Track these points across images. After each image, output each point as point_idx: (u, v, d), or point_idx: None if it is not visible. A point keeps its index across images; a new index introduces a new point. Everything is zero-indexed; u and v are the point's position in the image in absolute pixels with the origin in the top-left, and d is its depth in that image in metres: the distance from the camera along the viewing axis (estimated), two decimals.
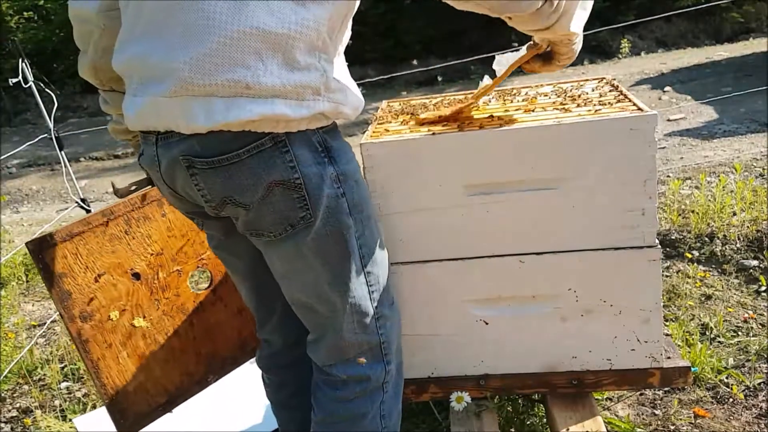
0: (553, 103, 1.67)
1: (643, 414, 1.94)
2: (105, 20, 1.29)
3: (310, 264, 1.24)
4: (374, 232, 1.32)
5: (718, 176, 3.60)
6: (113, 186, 1.62)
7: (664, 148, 4.57)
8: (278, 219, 1.18)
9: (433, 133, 1.52)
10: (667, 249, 2.88)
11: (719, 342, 2.23)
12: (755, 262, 2.69)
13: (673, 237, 2.96)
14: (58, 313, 1.56)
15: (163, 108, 1.11)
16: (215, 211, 1.22)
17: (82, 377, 2.52)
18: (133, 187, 1.62)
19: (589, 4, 1.33)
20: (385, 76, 4.45)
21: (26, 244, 1.50)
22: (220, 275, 1.80)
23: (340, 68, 1.21)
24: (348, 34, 1.22)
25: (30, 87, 2.63)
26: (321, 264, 1.24)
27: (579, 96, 1.70)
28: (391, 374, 1.39)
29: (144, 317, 1.67)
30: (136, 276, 1.65)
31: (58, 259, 1.53)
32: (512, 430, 1.81)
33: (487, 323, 1.63)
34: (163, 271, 1.70)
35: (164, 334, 1.71)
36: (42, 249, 1.51)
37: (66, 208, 4.51)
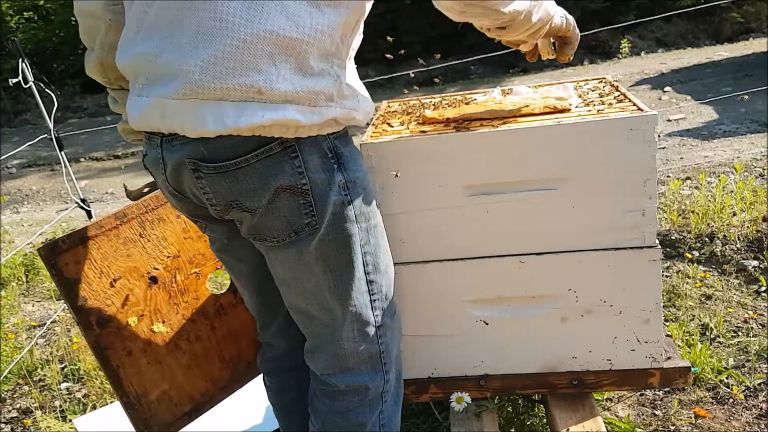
0: None
1: (643, 414, 1.94)
2: (111, 15, 1.26)
3: (311, 270, 1.23)
4: (380, 240, 1.30)
5: (718, 176, 3.60)
6: (125, 188, 1.59)
7: (664, 148, 4.57)
8: (283, 225, 1.17)
9: (433, 133, 1.52)
10: (667, 249, 2.88)
11: (719, 342, 2.23)
12: (755, 263, 2.69)
13: (673, 237, 2.96)
14: (75, 320, 1.50)
15: (168, 110, 1.09)
16: (220, 214, 1.20)
17: (82, 378, 2.52)
18: (146, 189, 1.59)
19: None
20: (385, 76, 4.44)
21: (38, 250, 1.45)
22: None
23: (351, 73, 1.19)
24: (360, 37, 1.21)
25: (30, 87, 2.62)
26: (323, 271, 1.23)
27: (579, 96, 1.70)
28: (390, 383, 1.37)
29: (163, 322, 1.61)
30: (153, 280, 1.60)
31: (71, 265, 1.47)
32: (512, 430, 1.81)
33: (487, 323, 1.63)
34: (181, 274, 1.64)
35: (185, 340, 1.66)
36: (54, 255, 1.45)
37: (66, 209, 4.51)
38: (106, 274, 1.53)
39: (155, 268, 1.60)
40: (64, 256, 1.46)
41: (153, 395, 1.61)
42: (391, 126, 1.67)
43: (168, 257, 1.63)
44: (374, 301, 1.30)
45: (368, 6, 1.17)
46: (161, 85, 1.09)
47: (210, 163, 1.12)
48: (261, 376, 1.65)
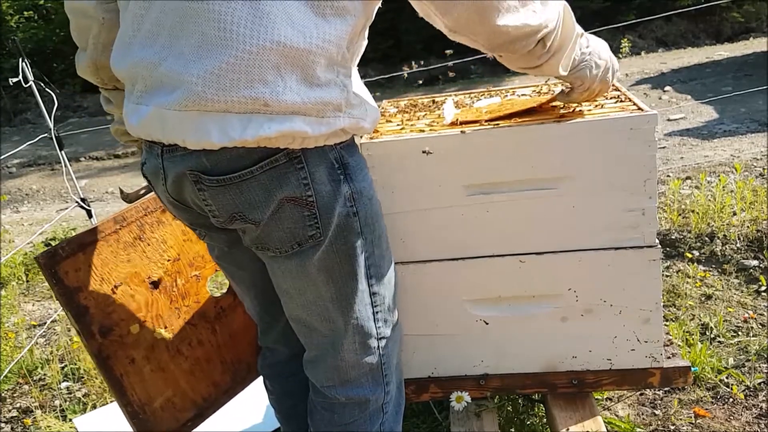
0: None
1: (643, 414, 1.94)
2: (105, 13, 1.22)
3: (314, 282, 1.20)
4: (384, 251, 1.28)
5: (718, 176, 3.60)
6: (121, 191, 1.55)
7: (664, 147, 4.57)
8: (286, 236, 1.14)
9: (433, 133, 1.52)
10: (667, 249, 2.88)
11: (719, 342, 2.23)
12: (755, 262, 2.69)
13: (673, 237, 2.96)
14: (74, 330, 1.45)
15: (169, 121, 1.05)
16: (222, 225, 1.18)
17: (82, 377, 2.52)
18: (143, 191, 1.56)
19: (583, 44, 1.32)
20: (385, 76, 4.44)
21: (35, 258, 1.40)
22: None
23: (356, 79, 1.17)
24: (364, 43, 1.18)
25: (30, 86, 2.62)
26: (325, 282, 1.20)
27: None
28: (391, 394, 1.36)
29: (165, 328, 1.58)
30: (155, 284, 1.56)
31: (71, 273, 1.42)
32: (512, 430, 1.81)
33: (487, 323, 1.63)
34: (182, 277, 1.61)
35: (188, 344, 1.63)
36: (54, 262, 1.40)
37: (66, 208, 4.51)
38: (107, 281, 1.48)
39: (156, 273, 1.56)
40: (64, 264, 1.41)
41: (157, 403, 1.57)
42: (391, 125, 1.67)
43: (168, 261, 1.59)
44: (377, 312, 1.28)
45: (375, 9, 1.13)
46: (162, 94, 1.05)
47: (213, 176, 1.09)
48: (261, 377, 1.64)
